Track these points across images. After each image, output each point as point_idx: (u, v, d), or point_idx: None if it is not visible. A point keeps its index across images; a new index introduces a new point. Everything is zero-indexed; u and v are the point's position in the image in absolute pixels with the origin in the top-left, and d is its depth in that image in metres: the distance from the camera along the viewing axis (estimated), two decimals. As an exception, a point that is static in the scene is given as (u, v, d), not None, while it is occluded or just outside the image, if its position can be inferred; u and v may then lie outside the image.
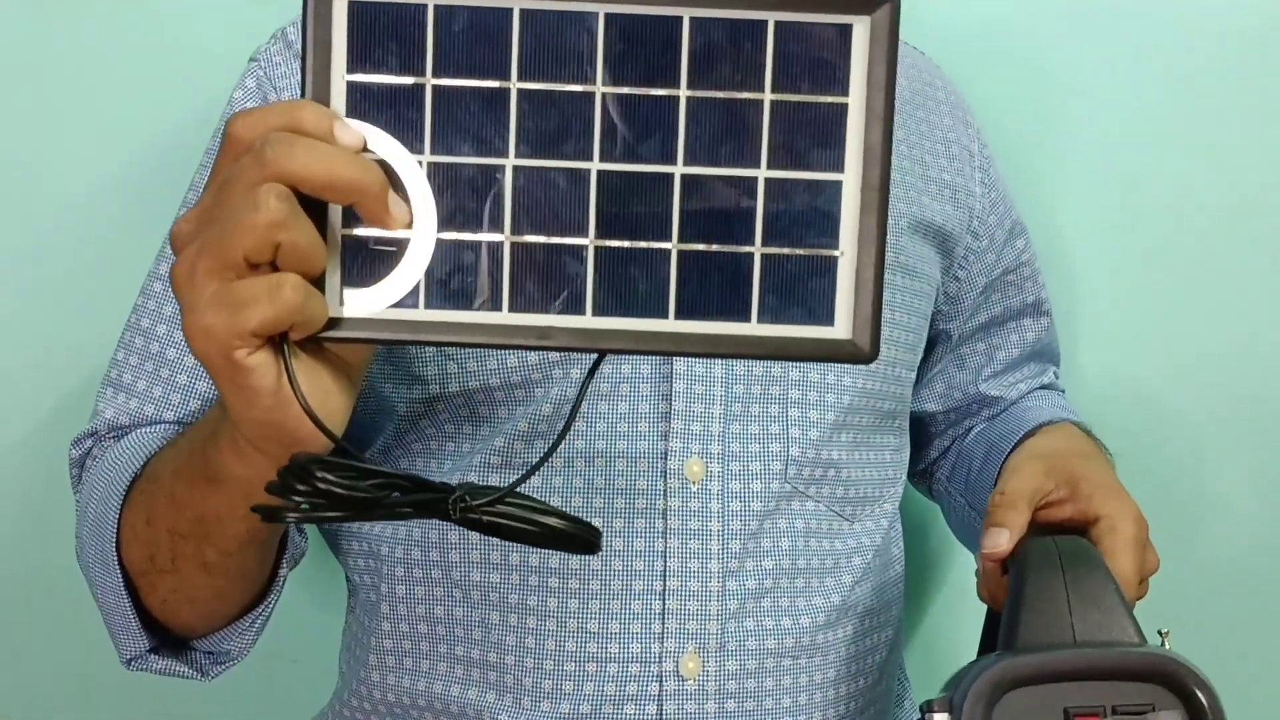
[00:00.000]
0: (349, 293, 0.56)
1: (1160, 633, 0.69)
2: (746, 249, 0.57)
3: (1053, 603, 0.67)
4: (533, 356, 0.81)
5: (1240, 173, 1.10)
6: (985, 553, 0.74)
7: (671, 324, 0.57)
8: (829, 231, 0.58)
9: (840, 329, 0.57)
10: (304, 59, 0.56)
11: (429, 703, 0.83)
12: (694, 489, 0.80)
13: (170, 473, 0.72)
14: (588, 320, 0.57)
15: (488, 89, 0.56)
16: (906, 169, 0.90)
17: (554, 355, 0.80)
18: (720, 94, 0.57)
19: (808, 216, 0.58)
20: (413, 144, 0.56)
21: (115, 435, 0.83)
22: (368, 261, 0.57)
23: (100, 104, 1.07)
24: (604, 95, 0.56)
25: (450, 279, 0.57)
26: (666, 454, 0.80)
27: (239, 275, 0.53)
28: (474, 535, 0.80)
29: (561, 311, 0.57)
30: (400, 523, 0.84)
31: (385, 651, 0.86)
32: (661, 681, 0.80)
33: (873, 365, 0.76)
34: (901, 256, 0.88)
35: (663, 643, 0.80)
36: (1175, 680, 0.61)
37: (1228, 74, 1.09)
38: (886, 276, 0.71)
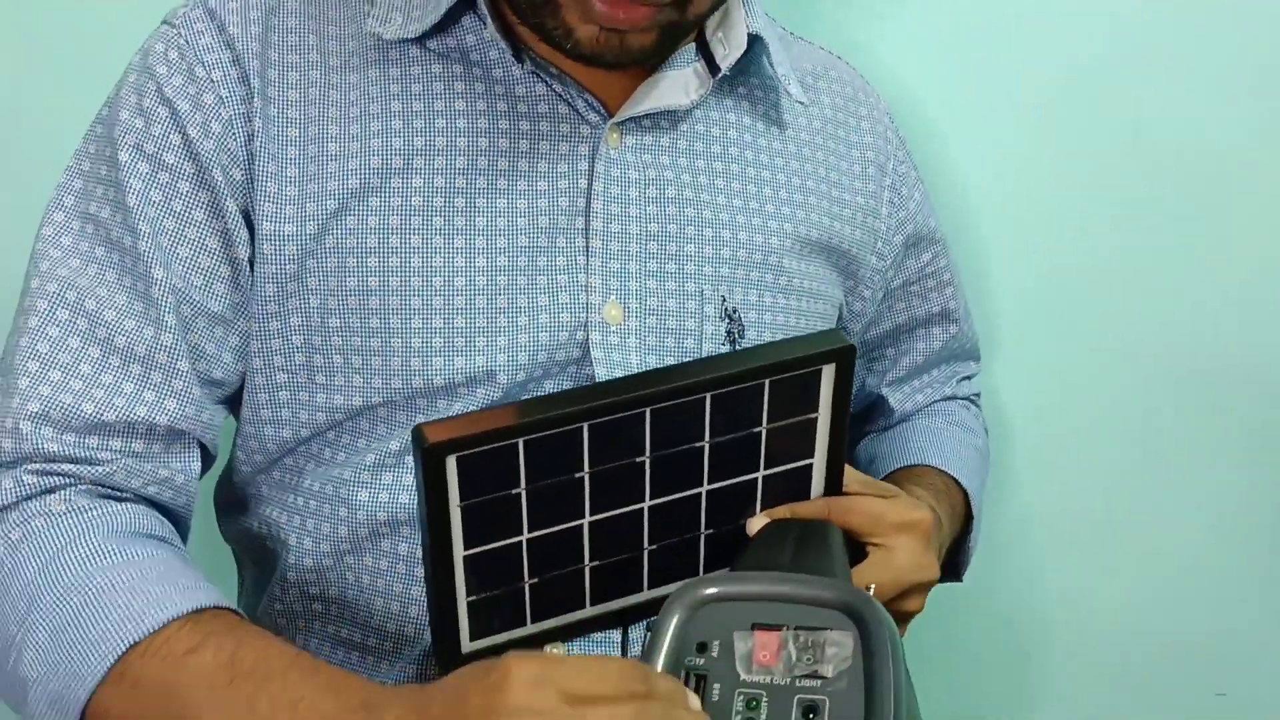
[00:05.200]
0: None
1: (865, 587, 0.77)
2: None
3: (778, 543, 0.76)
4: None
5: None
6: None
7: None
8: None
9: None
10: None
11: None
12: (614, 329, 0.82)
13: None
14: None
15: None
16: (823, 193, 0.91)
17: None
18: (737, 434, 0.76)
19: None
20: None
21: (75, 455, 0.75)
22: None
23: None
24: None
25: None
26: (588, 304, 0.81)
27: None
28: (378, 520, 0.81)
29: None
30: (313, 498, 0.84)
31: (278, 628, 0.85)
32: None
33: None
34: (806, 281, 0.89)
35: None
36: (855, 610, 0.67)
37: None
38: (792, 302, 0.89)
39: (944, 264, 1.04)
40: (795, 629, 0.67)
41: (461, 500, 0.70)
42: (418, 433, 0.68)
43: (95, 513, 0.75)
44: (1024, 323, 1.17)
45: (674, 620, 0.68)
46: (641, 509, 0.76)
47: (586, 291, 0.81)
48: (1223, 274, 1.12)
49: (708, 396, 0.74)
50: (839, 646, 0.66)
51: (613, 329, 0.81)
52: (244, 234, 0.79)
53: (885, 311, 1.02)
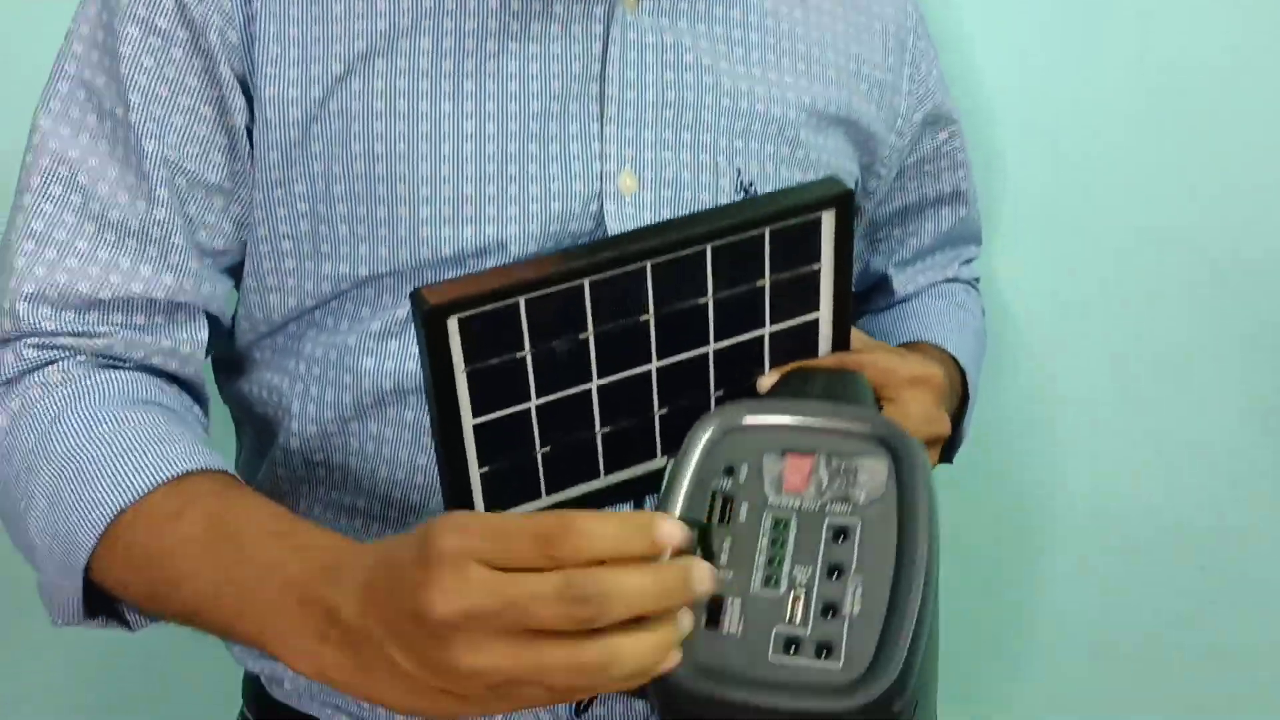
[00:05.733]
0: None
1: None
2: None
3: (805, 382, 0.76)
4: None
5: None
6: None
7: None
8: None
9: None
10: None
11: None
12: (628, 199, 0.80)
13: (180, 580, 0.67)
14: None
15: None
16: (841, 66, 0.88)
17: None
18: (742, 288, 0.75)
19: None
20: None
21: (75, 330, 0.75)
22: None
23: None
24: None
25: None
26: (602, 173, 0.79)
27: None
28: (384, 389, 0.80)
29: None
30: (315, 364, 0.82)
31: (281, 494, 0.84)
32: None
33: None
34: (823, 155, 0.87)
35: None
36: (888, 438, 0.66)
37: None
38: (808, 175, 0.87)
39: (958, 144, 1.02)
40: (828, 454, 0.65)
41: (467, 365, 0.69)
42: (417, 296, 0.67)
43: (90, 381, 0.74)
44: (1027, 208, 1.16)
45: (701, 442, 0.67)
46: (649, 371, 0.74)
47: (600, 160, 0.79)
48: (1232, 162, 1.11)
49: (708, 250, 0.72)
50: (872, 474, 0.64)
51: (627, 199, 0.79)
52: (240, 101, 0.77)
53: (896, 189, 1.01)
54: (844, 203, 0.74)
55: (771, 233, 0.74)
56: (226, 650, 0.90)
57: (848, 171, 0.90)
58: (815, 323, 0.79)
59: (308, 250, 0.79)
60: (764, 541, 0.62)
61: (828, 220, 0.75)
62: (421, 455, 0.79)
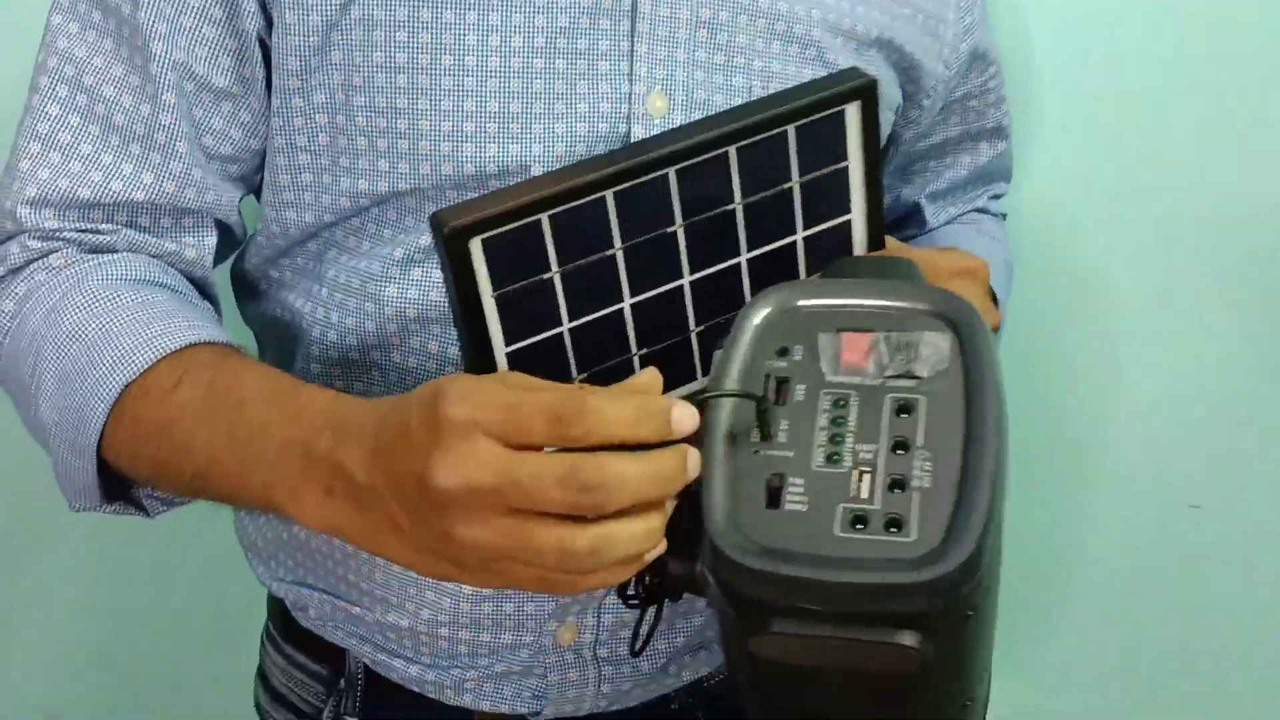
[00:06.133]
0: None
1: None
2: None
3: (854, 267, 0.72)
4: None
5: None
6: None
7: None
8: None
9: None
10: None
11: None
12: (658, 122, 0.78)
13: (194, 448, 0.67)
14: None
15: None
16: None
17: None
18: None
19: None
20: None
21: (79, 227, 0.76)
22: None
23: None
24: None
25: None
26: (631, 94, 0.77)
27: None
28: (405, 317, 0.78)
29: None
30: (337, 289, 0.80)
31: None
32: None
33: None
34: None
35: None
36: (949, 312, 0.63)
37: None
38: None
39: (1001, 80, 1.00)
40: (886, 330, 0.62)
41: (495, 290, 0.66)
42: (436, 219, 0.64)
43: (94, 263, 0.74)
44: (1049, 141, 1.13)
45: (753, 322, 0.63)
46: (682, 285, 0.71)
47: (630, 80, 0.76)
48: (1254, 91, 1.08)
49: (732, 153, 0.69)
50: (934, 348, 0.60)
51: (656, 121, 0.77)
52: (252, 4, 0.75)
53: (939, 124, 0.98)
54: (868, 94, 0.71)
55: (797, 130, 0.71)
56: (250, 570, 0.91)
57: (887, 97, 0.87)
58: (848, 224, 0.75)
59: (326, 164, 0.77)
60: (824, 420, 0.59)
61: (853, 114, 0.72)
62: None
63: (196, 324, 0.71)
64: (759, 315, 0.63)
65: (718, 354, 0.63)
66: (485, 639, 0.83)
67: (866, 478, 0.57)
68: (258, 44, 0.76)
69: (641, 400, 0.55)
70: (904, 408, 0.59)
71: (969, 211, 1.05)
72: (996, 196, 1.08)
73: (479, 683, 0.85)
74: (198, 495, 0.70)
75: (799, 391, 0.60)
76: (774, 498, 0.57)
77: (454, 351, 0.78)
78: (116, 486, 0.74)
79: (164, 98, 0.75)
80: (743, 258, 0.73)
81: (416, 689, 0.86)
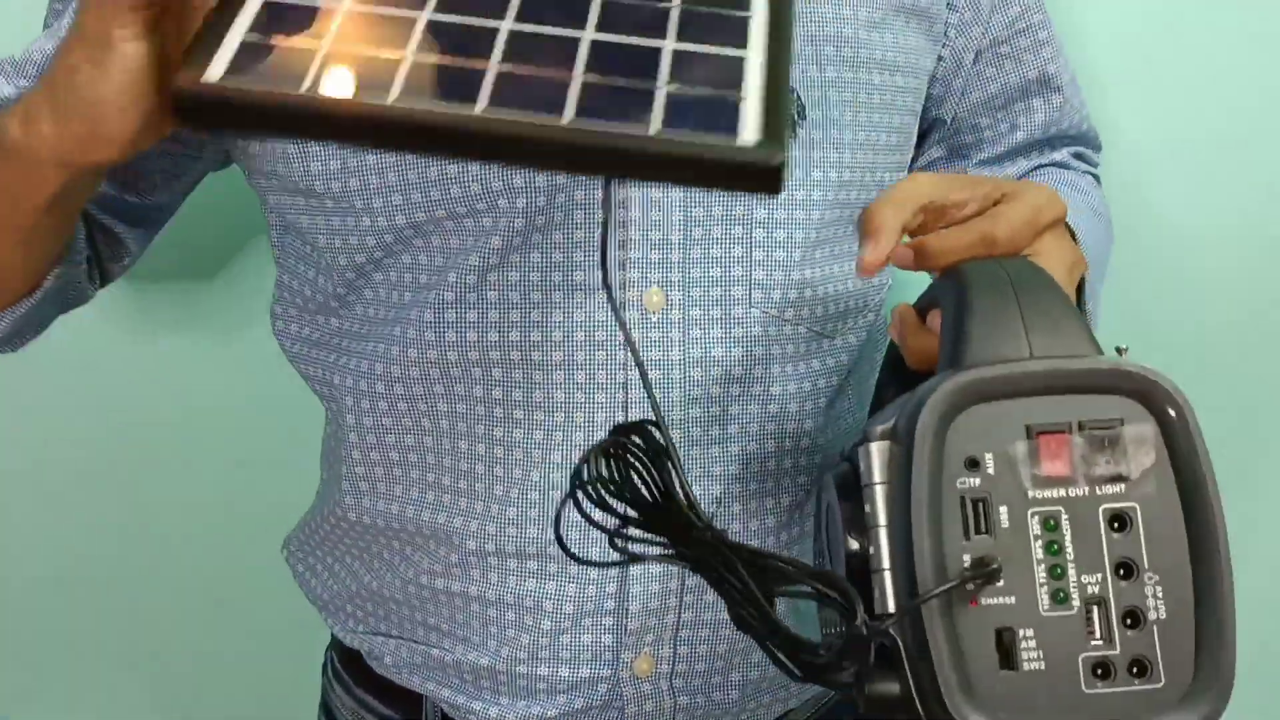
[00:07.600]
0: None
1: (1118, 349, 0.58)
2: (657, 43, 0.53)
3: (1004, 320, 0.57)
4: (475, 186, 0.74)
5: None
6: (863, 266, 0.62)
7: (569, 121, 0.50)
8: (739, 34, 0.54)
9: (748, 135, 0.49)
10: None
11: (401, 526, 0.82)
12: (654, 319, 0.76)
13: None
14: (477, 112, 0.49)
15: None
16: None
17: (496, 185, 0.74)
18: None
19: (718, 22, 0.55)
20: None
21: None
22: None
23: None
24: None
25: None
26: (625, 284, 0.75)
27: None
28: (437, 369, 0.78)
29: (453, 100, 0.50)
30: (354, 355, 0.82)
31: (356, 477, 0.84)
32: None
33: (849, 173, 0.79)
34: (875, 52, 0.79)
35: None
36: (1145, 393, 0.54)
37: None
38: (859, 74, 0.77)
39: (1039, 19, 0.89)
40: (1078, 423, 0.54)
41: None
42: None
43: None
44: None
45: (928, 437, 0.53)
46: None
47: None
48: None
49: None
50: (1139, 441, 0.53)
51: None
52: None
53: (973, 79, 0.87)
54: None
55: None
56: (321, 625, 0.89)
57: (914, 68, 0.81)
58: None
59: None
60: (1039, 550, 0.53)
61: None
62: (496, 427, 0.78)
63: None
64: (933, 423, 0.54)
65: (884, 445, 0.55)
66: (564, 674, 0.80)
67: (1099, 616, 0.52)
68: None
69: None
70: (1119, 521, 0.53)
71: (1044, 165, 0.92)
72: (1080, 157, 0.95)
73: None
74: (41, 186, 0.66)
75: (1003, 515, 0.53)
76: (1007, 658, 0.52)
77: None
78: None
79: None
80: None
81: None
